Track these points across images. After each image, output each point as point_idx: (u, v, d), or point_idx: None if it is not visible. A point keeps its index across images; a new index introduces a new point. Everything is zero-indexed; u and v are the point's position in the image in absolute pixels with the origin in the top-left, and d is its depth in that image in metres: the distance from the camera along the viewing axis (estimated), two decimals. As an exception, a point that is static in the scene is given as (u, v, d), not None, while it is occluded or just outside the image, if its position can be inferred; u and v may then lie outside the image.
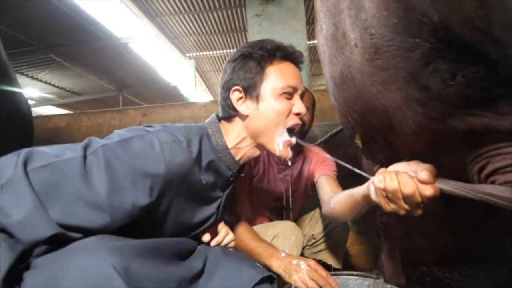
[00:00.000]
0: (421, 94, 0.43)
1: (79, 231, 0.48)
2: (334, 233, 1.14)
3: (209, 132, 0.72)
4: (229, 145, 0.72)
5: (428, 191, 0.48)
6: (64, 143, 2.24)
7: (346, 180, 1.32)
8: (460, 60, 0.37)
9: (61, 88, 7.02)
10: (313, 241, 1.17)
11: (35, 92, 6.80)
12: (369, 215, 1.12)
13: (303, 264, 0.78)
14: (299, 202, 1.25)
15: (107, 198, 0.49)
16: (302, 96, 0.74)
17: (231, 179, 0.75)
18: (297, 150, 1.15)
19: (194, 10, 4.82)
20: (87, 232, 0.48)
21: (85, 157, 0.51)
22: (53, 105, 7.95)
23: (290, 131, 0.72)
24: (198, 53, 6.52)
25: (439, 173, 0.49)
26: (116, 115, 2.51)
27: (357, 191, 0.69)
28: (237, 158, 0.73)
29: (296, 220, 1.23)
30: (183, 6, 4.81)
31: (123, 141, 0.56)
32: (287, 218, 1.16)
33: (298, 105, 0.71)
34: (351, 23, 0.49)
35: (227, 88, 0.73)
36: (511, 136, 0.40)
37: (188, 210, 0.67)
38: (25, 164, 0.46)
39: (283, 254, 0.82)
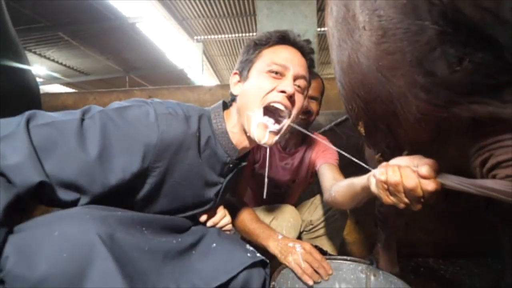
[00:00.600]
0: (425, 80, 0.42)
1: (69, 187, 0.51)
2: (332, 220, 1.16)
3: (211, 116, 0.72)
4: (228, 129, 0.73)
5: (430, 185, 0.47)
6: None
7: (348, 168, 1.33)
8: (468, 44, 0.36)
9: (69, 67, 7.03)
10: (311, 226, 1.19)
11: (43, 70, 6.83)
12: (368, 205, 1.13)
13: (298, 246, 0.79)
14: (298, 189, 1.27)
15: (98, 159, 0.52)
16: (295, 79, 0.70)
17: (230, 165, 0.74)
18: (300, 139, 1.17)
19: (203, -8, 4.71)
20: (76, 190, 0.51)
21: (82, 120, 0.54)
22: (60, 83, 7.99)
23: (271, 114, 0.68)
24: (206, 37, 6.42)
25: (441, 164, 0.49)
26: (122, 96, 2.52)
27: (357, 182, 0.68)
28: (234, 142, 0.72)
29: (296, 205, 1.25)
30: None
31: (121, 108, 0.58)
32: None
33: (285, 84, 0.67)
34: (360, 4, 0.48)
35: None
36: (514, 126, 0.40)
37: (184, 188, 0.67)
38: (27, 122, 0.50)
39: (280, 237, 0.84)
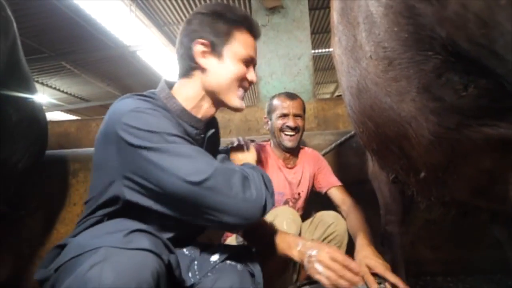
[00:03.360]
0: (434, 105, 0.44)
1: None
2: (333, 238, 1.15)
3: (162, 100, 0.73)
4: (188, 107, 0.73)
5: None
6: (73, 147, 2.26)
7: (350, 188, 1.34)
8: (471, 72, 0.39)
9: (70, 94, 7.16)
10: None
11: (45, 98, 6.95)
12: (373, 223, 1.14)
13: (318, 252, 0.72)
14: (303, 205, 1.32)
15: None
16: (254, 66, 0.80)
17: (201, 135, 0.77)
18: (297, 154, 1.32)
19: (202, 20, 4.92)
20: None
21: None
22: (62, 110, 8.09)
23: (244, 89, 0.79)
24: (204, 61, 6.60)
25: (460, 185, 0.49)
26: (124, 121, 2.55)
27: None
28: (199, 116, 0.75)
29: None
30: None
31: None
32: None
33: (252, 75, 0.77)
34: (366, 36, 0.52)
35: (191, 39, 0.72)
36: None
37: None
38: None
39: (300, 245, 0.80)
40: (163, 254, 0.50)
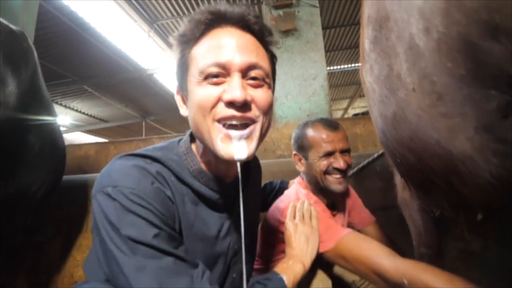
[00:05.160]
0: (498, 147, 0.39)
1: None
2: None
3: (181, 154, 0.58)
4: (203, 164, 0.59)
5: None
6: (92, 170, 2.30)
7: (375, 213, 1.25)
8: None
9: (90, 115, 7.46)
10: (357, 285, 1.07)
11: (67, 119, 7.28)
12: (401, 253, 1.05)
13: None
14: None
15: None
16: (246, 72, 0.50)
17: (228, 198, 0.62)
18: (342, 198, 1.09)
19: (216, 42, 5.09)
20: None
21: None
22: (82, 131, 8.42)
23: (230, 126, 0.51)
24: (218, 81, 6.76)
25: None
26: (141, 144, 2.59)
27: None
28: (213, 173, 0.58)
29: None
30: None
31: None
32: None
33: (230, 89, 0.48)
34: (408, 67, 0.47)
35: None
36: None
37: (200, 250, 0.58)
38: None
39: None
40: None
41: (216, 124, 0.50)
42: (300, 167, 0.98)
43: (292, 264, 0.61)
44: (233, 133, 0.50)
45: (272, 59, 0.59)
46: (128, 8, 4.16)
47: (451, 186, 0.55)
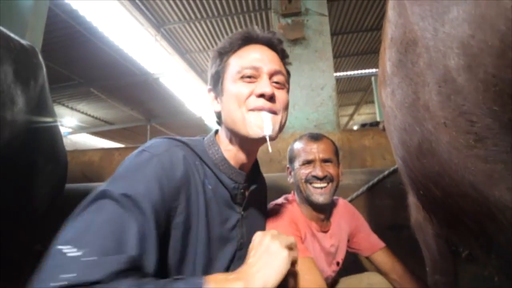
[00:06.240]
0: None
1: None
2: None
3: (206, 147, 0.68)
4: (227, 155, 0.67)
5: None
6: (96, 176, 2.27)
7: (384, 234, 1.19)
8: None
9: (96, 117, 7.50)
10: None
11: (73, 121, 7.32)
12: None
13: None
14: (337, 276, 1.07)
15: None
16: (271, 76, 0.65)
17: (241, 190, 0.69)
18: (328, 209, 1.02)
19: (222, 48, 5.08)
20: None
21: None
22: (87, 132, 8.46)
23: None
24: (223, 86, 6.75)
25: None
26: (145, 151, 2.56)
27: None
28: (235, 165, 0.67)
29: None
30: (211, 44, 5.10)
31: None
32: None
33: (261, 85, 0.62)
34: (440, 100, 0.42)
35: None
36: None
37: (207, 232, 0.60)
38: None
39: None
40: None
41: (250, 111, 0.62)
42: (290, 179, 1.03)
43: (231, 279, 0.47)
44: (264, 114, 0.62)
45: (288, 74, 0.72)
46: (135, 12, 4.17)
47: (485, 230, 0.49)
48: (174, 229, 0.55)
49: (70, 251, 0.39)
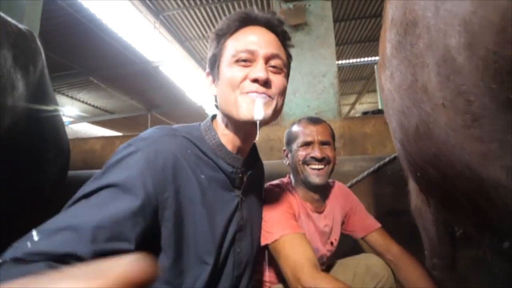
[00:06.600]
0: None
1: None
2: None
3: (202, 132, 0.68)
4: (224, 140, 0.67)
5: None
6: (98, 165, 2.29)
7: (384, 220, 1.21)
8: None
9: (96, 107, 7.48)
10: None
11: (74, 110, 7.31)
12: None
13: None
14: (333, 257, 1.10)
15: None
16: (268, 60, 0.62)
17: (239, 175, 0.69)
18: (323, 190, 1.04)
19: (223, 35, 5.00)
20: None
21: None
22: (88, 122, 8.47)
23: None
24: (224, 75, 6.69)
25: None
26: (146, 139, 2.57)
27: None
28: (232, 150, 0.67)
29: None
30: (211, 31, 5.01)
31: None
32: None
33: (255, 70, 0.60)
34: (439, 81, 0.42)
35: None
36: None
37: (205, 218, 0.61)
38: None
39: None
40: None
41: (243, 95, 0.61)
42: (287, 161, 1.04)
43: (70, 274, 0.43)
44: (255, 96, 0.61)
45: (288, 58, 0.70)
46: (133, -2, 4.08)
47: (479, 208, 0.50)
48: (165, 221, 0.55)
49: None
